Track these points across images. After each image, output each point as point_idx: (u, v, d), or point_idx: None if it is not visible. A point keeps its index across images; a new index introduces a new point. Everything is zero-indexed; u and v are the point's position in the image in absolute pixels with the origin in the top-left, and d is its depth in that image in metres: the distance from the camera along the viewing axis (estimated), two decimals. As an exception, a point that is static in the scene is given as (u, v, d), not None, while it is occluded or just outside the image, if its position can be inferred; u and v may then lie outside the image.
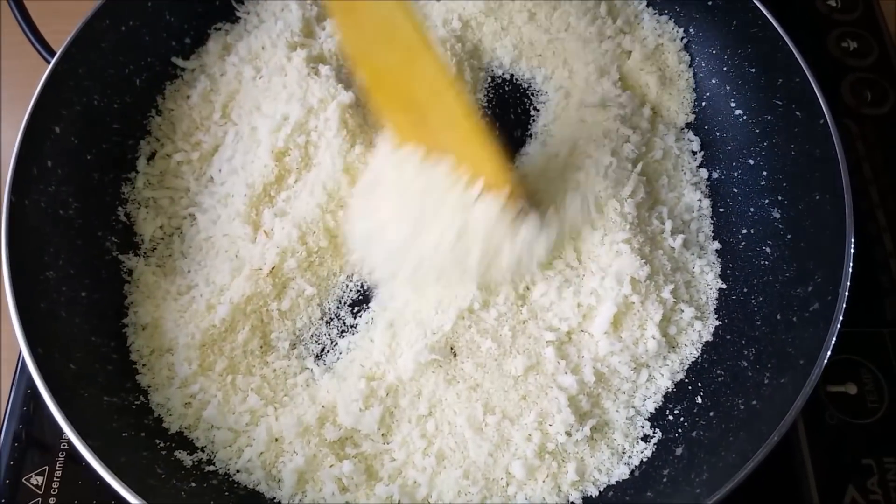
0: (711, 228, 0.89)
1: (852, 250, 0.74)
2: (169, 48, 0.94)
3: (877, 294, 0.91)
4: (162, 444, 0.72)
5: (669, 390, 0.80)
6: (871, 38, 1.08)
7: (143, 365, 0.78)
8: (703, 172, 0.93)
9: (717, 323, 0.83)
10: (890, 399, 0.84)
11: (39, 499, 0.76)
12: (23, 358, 0.82)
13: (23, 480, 0.77)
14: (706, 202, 0.91)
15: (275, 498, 0.72)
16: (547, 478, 0.73)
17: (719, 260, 0.87)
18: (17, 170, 0.76)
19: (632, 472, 0.75)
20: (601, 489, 0.74)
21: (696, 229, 0.89)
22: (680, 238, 0.85)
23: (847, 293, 0.72)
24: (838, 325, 0.71)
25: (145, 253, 0.85)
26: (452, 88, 0.73)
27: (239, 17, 0.99)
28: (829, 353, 0.69)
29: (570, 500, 0.73)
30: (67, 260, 0.78)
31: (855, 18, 1.10)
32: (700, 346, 0.82)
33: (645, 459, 0.75)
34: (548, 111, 0.96)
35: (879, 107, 1.03)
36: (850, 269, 0.72)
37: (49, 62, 0.83)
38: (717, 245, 0.88)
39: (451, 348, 0.77)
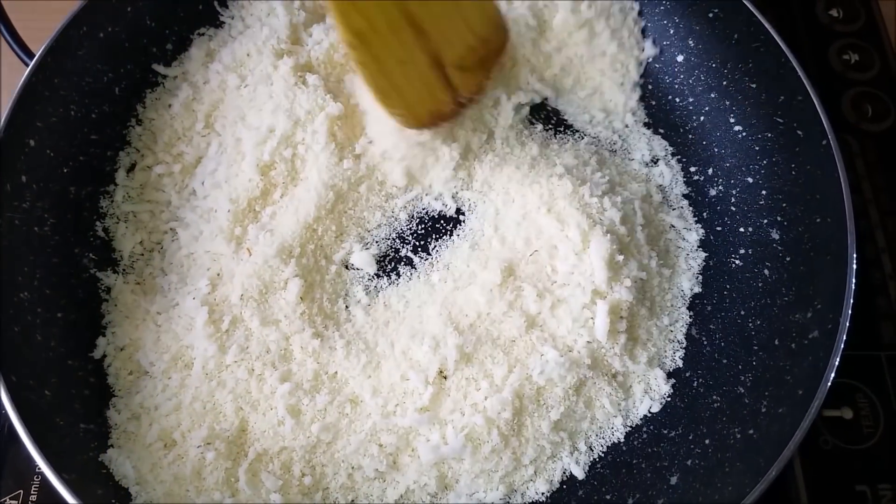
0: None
1: (854, 279, 0.72)
2: (150, 55, 0.91)
3: (874, 317, 0.89)
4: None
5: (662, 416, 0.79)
6: (873, 50, 1.06)
7: (120, 389, 0.75)
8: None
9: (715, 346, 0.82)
10: (886, 424, 0.83)
11: (13, 525, 0.74)
12: (-2, 380, 0.80)
13: (-4, 506, 0.75)
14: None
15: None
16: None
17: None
18: (-9, 186, 0.73)
19: (625, 502, 0.73)
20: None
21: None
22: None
23: (848, 323, 0.70)
24: (838, 358, 0.69)
25: (124, 270, 0.82)
26: None
27: (223, 22, 0.96)
28: (828, 385, 0.68)
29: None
30: (43, 279, 0.75)
31: (857, 29, 1.08)
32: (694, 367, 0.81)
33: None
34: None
35: (880, 122, 1.01)
36: (852, 300, 0.71)
37: (27, 64, 0.80)
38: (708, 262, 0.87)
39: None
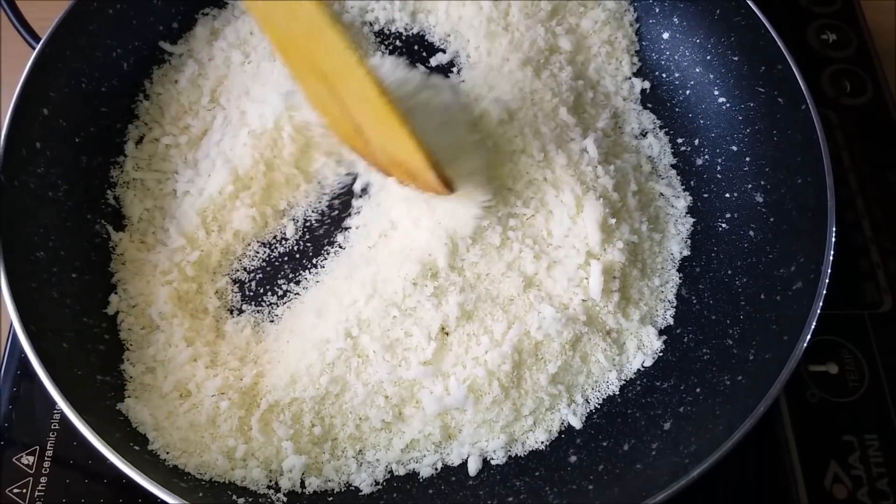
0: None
1: (834, 229, 0.75)
2: (156, 32, 0.94)
3: (856, 278, 0.93)
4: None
5: (654, 369, 0.82)
6: (850, 31, 1.11)
7: (133, 343, 0.78)
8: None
9: (704, 303, 0.85)
10: (870, 378, 0.86)
11: (31, 478, 0.76)
12: (11, 340, 0.83)
13: (13, 460, 0.77)
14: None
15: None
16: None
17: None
18: (7, 150, 0.75)
19: (621, 447, 0.76)
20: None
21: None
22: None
23: (829, 270, 0.74)
24: (821, 301, 0.72)
25: (131, 232, 0.85)
26: (361, 67, 0.66)
27: (226, 3, 0.99)
28: (812, 326, 0.71)
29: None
30: (57, 241, 0.78)
31: (834, 11, 1.13)
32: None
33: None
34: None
35: (858, 97, 1.06)
36: (833, 245, 0.74)
37: (34, 48, 0.83)
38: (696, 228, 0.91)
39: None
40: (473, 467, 0.76)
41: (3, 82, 1.08)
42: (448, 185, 0.74)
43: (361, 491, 0.74)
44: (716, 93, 0.96)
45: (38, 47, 0.81)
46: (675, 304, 0.86)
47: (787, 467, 0.81)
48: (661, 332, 0.84)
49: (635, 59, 1.01)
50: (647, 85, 1.00)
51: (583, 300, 0.81)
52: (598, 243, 0.81)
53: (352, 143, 0.79)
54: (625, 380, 0.82)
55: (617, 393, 0.81)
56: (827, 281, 0.73)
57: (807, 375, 0.87)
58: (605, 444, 0.77)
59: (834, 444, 0.83)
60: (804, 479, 0.81)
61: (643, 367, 0.82)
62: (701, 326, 0.84)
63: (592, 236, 0.82)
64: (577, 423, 0.78)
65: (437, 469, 0.76)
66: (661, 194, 0.93)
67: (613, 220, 0.83)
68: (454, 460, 0.76)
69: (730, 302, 0.84)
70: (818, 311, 0.72)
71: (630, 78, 1.00)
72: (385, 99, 0.66)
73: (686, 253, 0.89)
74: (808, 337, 0.71)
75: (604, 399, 0.81)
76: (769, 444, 0.83)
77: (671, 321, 0.85)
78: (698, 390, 0.78)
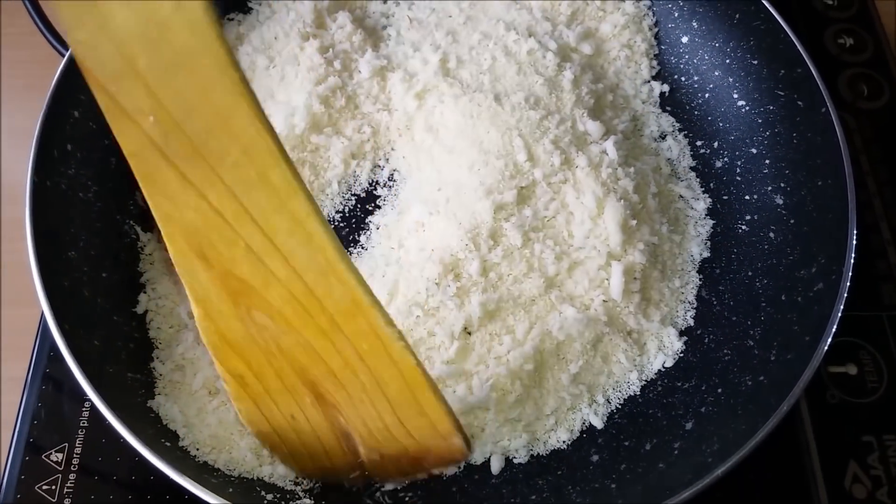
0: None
1: (855, 230, 0.76)
2: (183, 37, 0.95)
3: (875, 280, 0.94)
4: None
5: (675, 370, 0.83)
6: (867, 35, 1.12)
7: (162, 341, 0.79)
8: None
9: (724, 305, 0.86)
10: (889, 379, 0.87)
11: (59, 475, 0.77)
12: (40, 339, 0.84)
13: (42, 458, 0.78)
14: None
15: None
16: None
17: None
18: (40, 151, 0.77)
19: (643, 447, 0.77)
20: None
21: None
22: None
23: (850, 272, 0.74)
24: (843, 303, 0.73)
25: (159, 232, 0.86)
26: (398, 342, 0.59)
27: (251, 8, 1.01)
28: (834, 327, 0.72)
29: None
30: (88, 241, 0.79)
31: (851, 16, 1.14)
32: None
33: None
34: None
35: (876, 101, 1.06)
36: (854, 246, 0.75)
37: (62, 54, 0.85)
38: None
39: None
40: (496, 466, 0.76)
41: (24, 87, 1.11)
42: (468, 445, 0.72)
43: (384, 487, 0.74)
44: (735, 96, 0.96)
45: (68, 53, 0.83)
46: (695, 306, 0.87)
47: (806, 468, 0.82)
48: (681, 333, 0.85)
49: (654, 63, 1.02)
50: (666, 88, 1.01)
51: (604, 301, 0.82)
52: (619, 244, 0.82)
53: (316, 468, 0.70)
54: (646, 380, 0.82)
55: (638, 393, 0.81)
56: (848, 283, 0.73)
57: (826, 376, 0.87)
58: (626, 443, 0.78)
59: (853, 445, 0.84)
60: (824, 479, 0.81)
61: (664, 367, 0.83)
62: (722, 327, 0.84)
63: (613, 237, 0.82)
64: (598, 423, 0.79)
65: (459, 467, 0.77)
66: (681, 196, 0.93)
67: (634, 222, 0.83)
68: (477, 459, 0.77)
69: (750, 303, 0.84)
70: (840, 313, 0.73)
71: (649, 81, 1.01)
72: (421, 368, 0.61)
73: (706, 254, 0.90)
74: (830, 339, 0.71)
75: (625, 399, 0.81)
76: (789, 445, 0.83)
77: (692, 322, 0.86)
78: (720, 390, 0.79)
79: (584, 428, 0.79)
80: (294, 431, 0.66)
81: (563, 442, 0.78)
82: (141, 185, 0.54)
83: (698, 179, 0.95)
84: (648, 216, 0.87)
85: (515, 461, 0.77)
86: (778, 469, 0.82)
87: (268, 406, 0.64)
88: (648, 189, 0.89)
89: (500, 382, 0.77)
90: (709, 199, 0.94)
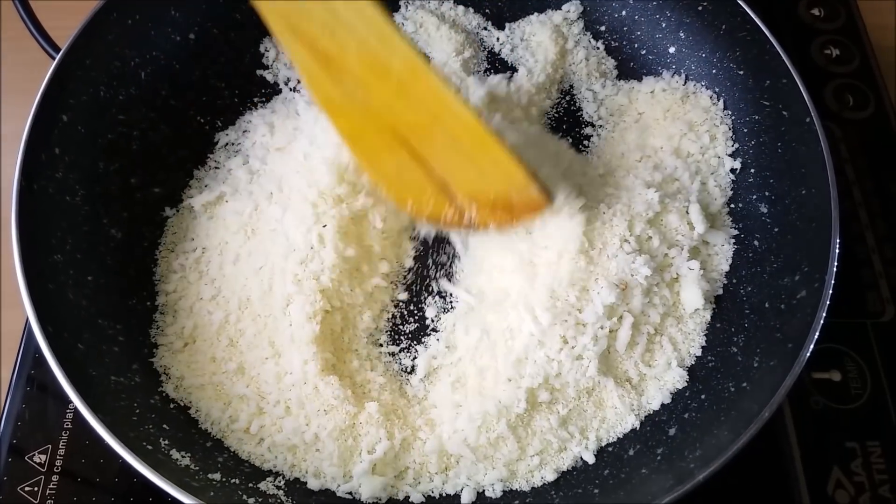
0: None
1: (838, 239, 0.77)
2: (173, 43, 0.96)
3: (859, 288, 0.94)
4: (167, 426, 0.73)
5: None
6: (853, 46, 1.13)
7: (163, 346, 0.80)
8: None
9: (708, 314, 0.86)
10: (873, 386, 0.87)
11: (42, 476, 0.77)
12: (25, 340, 0.84)
13: (25, 458, 0.78)
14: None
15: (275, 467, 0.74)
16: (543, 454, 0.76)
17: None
18: (27, 155, 0.77)
19: (626, 452, 0.77)
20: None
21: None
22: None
23: (833, 280, 0.75)
24: (825, 311, 0.73)
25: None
26: (457, 101, 0.69)
27: (243, 15, 1.01)
28: (816, 335, 0.72)
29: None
30: (74, 245, 0.79)
31: (838, 27, 1.15)
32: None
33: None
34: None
35: (861, 111, 1.07)
36: (837, 255, 0.75)
37: (53, 56, 0.85)
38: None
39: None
40: (467, 498, 0.75)
41: (24, 90, 1.11)
42: (547, 195, 0.75)
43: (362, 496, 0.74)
44: (721, 105, 0.97)
45: (59, 57, 0.83)
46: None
47: (790, 473, 0.82)
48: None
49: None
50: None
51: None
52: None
53: (432, 208, 0.75)
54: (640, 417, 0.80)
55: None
56: (831, 291, 0.74)
57: (810, 383, 0.88)
58: (609, 448, 0.78)
59: (837, 451, 0.84)
60: (807, 484, 0.82)
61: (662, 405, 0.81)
62: (706, 334, 0.84)
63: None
64: (589, 458, 0.77)
65: (428, 495, 0.75)
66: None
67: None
68: (448, 490, 0.76)
69: (734, 311, 0.85)
70: (822, 320, 0.73)
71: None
72: (482, 123, 0.69)
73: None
74: (812, 346, 0.72)
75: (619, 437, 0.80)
76: (773, 451, 0.84)
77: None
78: (703, 397, 0.79)
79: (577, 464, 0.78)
80: (403, 181, 0.74)
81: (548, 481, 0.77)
82: None
83: (684, 188, 0.95)
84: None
85: (488, 495, 0.76)
86: (762, 474, 0.83)
87: (379, 159, 0.74)
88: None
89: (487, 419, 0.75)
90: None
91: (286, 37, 0.68)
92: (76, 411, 0.79)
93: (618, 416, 0.79)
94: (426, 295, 0.87)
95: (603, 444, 0.79)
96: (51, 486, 0.77)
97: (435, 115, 0.70)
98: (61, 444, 0.79)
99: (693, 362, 0.83)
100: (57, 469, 0.78)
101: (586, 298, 0.78)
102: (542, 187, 0.74)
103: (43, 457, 0.78)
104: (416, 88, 0.69)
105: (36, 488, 0.77)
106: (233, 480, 0.71)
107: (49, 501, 0.77)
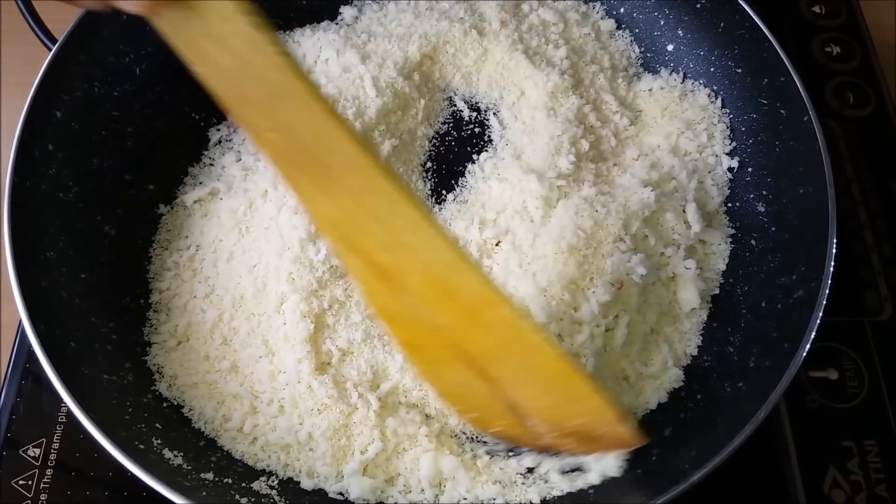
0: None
1: (835, 238, 0.76)
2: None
3: (858, 286, 0.94)
4: (160, 425, 0.73)
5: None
6: (854, 44, 1.12)
7: (156, 344, 0.80)
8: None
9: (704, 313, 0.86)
10: (870, 385, 0.87)
11: (36, 470, 0.77)
12: (21, 334, 0.85)
13: (19, 452, 0.78)
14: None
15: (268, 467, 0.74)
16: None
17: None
18: (20, 151, 0.77)
19: (621, 452, 0.76)
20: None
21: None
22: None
23: (830, 280, 0.74)
24: (821, 311, 0.73)
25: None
26: (534, 331, 0.63)
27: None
28: (812, 335, 0.71)
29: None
30: (67, 242, 0.79)
31: (838, 25, 1.14)
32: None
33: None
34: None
35: (861, 109, 1.07)
36: (834, 255, 0.75)
37: (50, 49, 0.84)
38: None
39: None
40: None
41: (17, 84, 1.10)
42: (641, 433, 0.69)
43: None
44: (719, 104, 0.96)
45: (53, 51, 0.83)
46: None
47: (786, 472, 0.82)
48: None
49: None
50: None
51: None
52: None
53: (500, 428, 0.70)
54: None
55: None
56: (827, 291, 0.73)
57: (807, 381, 0.87)
58: (605, 448, 0.78)
59: (833, 450, 0.84)
60: (803, 483, 0.81)
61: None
62: (702, 334, 0.84)
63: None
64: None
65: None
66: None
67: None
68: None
69: (731, 311, 0.84)
70: (818, 320, 0.72)
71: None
72: (566, 360, 0.63)
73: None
74: (808, 346, 0.71)
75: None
76: (769, 449, 0.83)
77: (673, 330, 0.86)
78: (699, 397, 0.79)
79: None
80: (466, 397, 0.68)
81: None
82: (286, 185, 0.60)
83: (682, 186, 0.95)
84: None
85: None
86: (758, 473, 0.82)
87: (440, 372, 0.68)
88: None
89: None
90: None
91: (341, 250, 0.63)
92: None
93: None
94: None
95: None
96: (45, 479, 0.77)
97: (509, 340, 0.64)
98: (56, 437, 0.79)
99: (689, 362, 0.83)
100: (51, 463, 0.78)
101: (582, 297, 0.78)
102: (633, 425, 0.69)
103: (37, 450, 0.78)
104: (488, 317, 0.63)
105: (30, 482, 0.77)
106: (225, 480, 0.70)
107: (43, 495, 0.77)
